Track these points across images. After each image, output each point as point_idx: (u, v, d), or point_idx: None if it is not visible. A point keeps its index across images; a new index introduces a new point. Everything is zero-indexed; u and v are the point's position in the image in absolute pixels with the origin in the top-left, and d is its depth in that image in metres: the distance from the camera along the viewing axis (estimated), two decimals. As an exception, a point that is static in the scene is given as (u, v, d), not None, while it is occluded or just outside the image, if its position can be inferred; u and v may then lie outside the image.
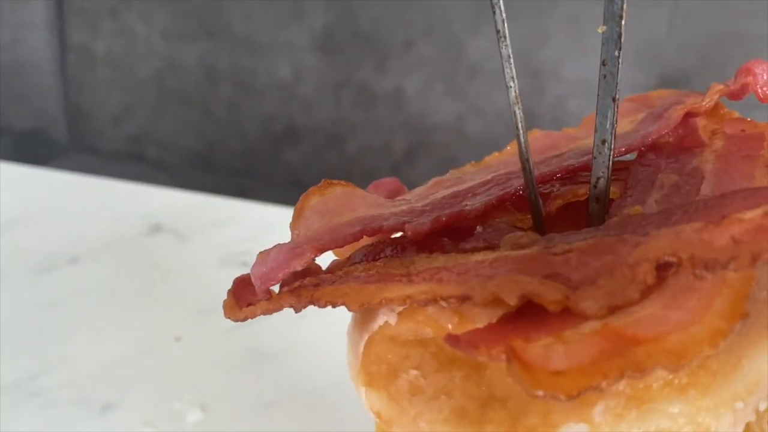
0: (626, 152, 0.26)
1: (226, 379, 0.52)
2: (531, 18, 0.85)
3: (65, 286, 0.58)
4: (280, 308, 0.24)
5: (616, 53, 0.22)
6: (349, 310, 0.22)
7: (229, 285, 0.60)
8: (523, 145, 0.23)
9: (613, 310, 0.19)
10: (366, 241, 0.25)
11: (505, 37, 0.21)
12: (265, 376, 0.52)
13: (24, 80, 1.02)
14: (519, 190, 0.25)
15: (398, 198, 0.27)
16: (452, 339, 0.19)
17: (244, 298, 0.25)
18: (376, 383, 0.23)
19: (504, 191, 0.25)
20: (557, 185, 0.26)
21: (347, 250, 0.26)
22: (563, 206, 0.26)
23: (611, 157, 0.23)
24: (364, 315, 0.24)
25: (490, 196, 0.25)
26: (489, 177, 0.27)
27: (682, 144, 0.28)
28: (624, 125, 0.29)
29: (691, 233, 0.19)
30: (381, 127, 0.95)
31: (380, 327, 0.23)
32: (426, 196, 0.27)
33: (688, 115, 0.28)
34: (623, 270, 0.19)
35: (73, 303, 0.56)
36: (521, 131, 0.23)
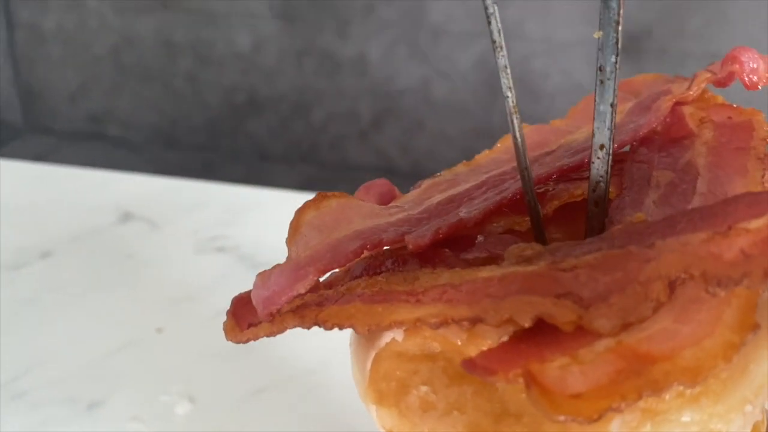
0: (619, 148, 0.26)
1: (212, 368, 0.51)
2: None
3: (38, 282, 0.57)
4: (283, 330, 0.23)
5: (614, 59, 0.22)
6: (357, 332, 0.22)
7: (206, 271, 0.59)
8: (521, 153, 0.23)
9: (625, 326, 0.19)
10: (365, 252, 0.24)
11: (501, 47, 0.21)
12: (251, 362, 0.52)
13: (-29, 61, 0.98)
14: (515, 194, 0.25)
15: (392, 204, 0.27)
16: (468, 364, 0.19)
17: (245, 318, 0.24)
18: (386, 401, 0.23)
19: (501, 196, 0.25)
20: (551, 185, 0.26)
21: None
22: (559, 207, 0.26)
23: (610, 162, 0.23)
24: (369, 331, 0.24)
25: (488, 201, 0.25)
26: (483, 178, 0.27)
27: (670, 133, 0.28)
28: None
29: (698, 245, 0.19)
30: (346, 94, 0.94)
31: (387, 344, 0.23)
32: (421, 202, 0.26)
33: (676, 103, 0.28)
34: (635, 288, 0.19)
35: (48, 299, 0.55)
36: (519, 140, 0.23)
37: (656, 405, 0.20)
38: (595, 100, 0.23)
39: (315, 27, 0.91)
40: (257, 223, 0.63)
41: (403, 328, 0.21)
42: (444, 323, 0.20)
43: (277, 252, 0.59)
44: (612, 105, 0.22)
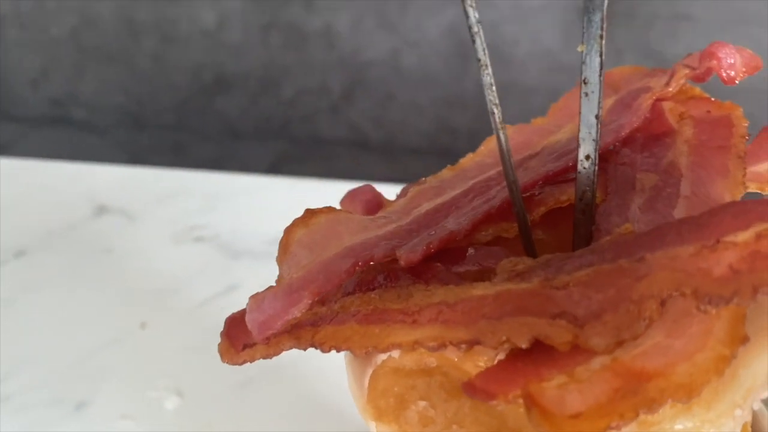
0: (602, 149, 0.26)
1: (199, 361, 0.51)
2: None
3: (15, 282, 0.56)
4: (279, 352, 0.23)
5: (598, 72, 0.22)
6: (355, 355, 0.22)
7: (186, 262, 0.59)
8: (509, 167, 0.23)
9: (619, 343, 0.19)
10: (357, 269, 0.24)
11: (487, 66, 0.21)
12: (237, 353, 0.52)
13: (-74, 49, 0.95)
14: (503, 202, 0.25)
15: (380, 215, 0.27)
16: (468, 388, 0.19)
17: (239, 339, 0.25)
18: (385, 417, 0.23)
19: (489, 205, 0.25)
20: (537, 189, 0.26)
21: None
22: (546, 212, 0.26)
23: (596, 173, 0.23)
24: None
25: (476, 211, 0.25)
26: (469, 184, 0.27)
27: (650, 129, 0.28)
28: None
29: (687, 260, 0.20)
30: (315, 68, 0.93)
31: (383, 360, 0.23)
32: (409, 211, 0.27)
33: (655, 100, 0.28)
34: (628, 306, 0.19)
35: (26, 299, 0.55)
36: (506, 154, 0.23)
37: (651, 416, 0.20)
38: (579, 113, 0.23)
39: (280, 0, 0.90)
40: (234, 210, 0.62)
41: (402, 349, 0.21)
42: (442, 346, 0.20)
43: (256, 240, 0.59)
44: (597, 117, 0.22)
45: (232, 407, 0.49)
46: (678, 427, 0.20)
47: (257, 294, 0.24)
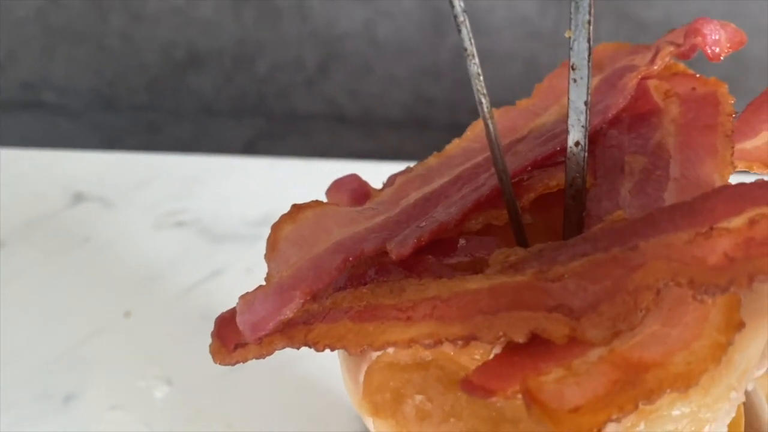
0: (590, 132, 0.26)
1: (186, 348, 0.51)
2: None
3: (-6, 275, 0.55)
4: (272, 351, 0.23)
5: (586, 58, 0.21)
6: (350, 354, 0.22)
7: (167, 248, 0.58)
8: (498, 156, 0.23)
9: (616, 334, 0.19)
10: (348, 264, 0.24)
11: (473, 55, 0.21)
12: (225, 338, 0.52)
13: None
14: (492, 190, 0.25)
15: (368, 206, 0.26)
16: (467, 385, 0.19)
17: (230, 338, 0.24)
18: (382, 412, 0.23)
19: (478, 193, 0.25)
20: (525, 175, 0.26)
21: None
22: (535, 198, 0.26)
23: (585, 159, 0.23)
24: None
25: (465, 200, 0.25)
26: (457, 172, 0.27)
27: (636, 108, 0.28)
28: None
29: (682, 247, 0.20)
30: (289, 42, 0.92)
31: (378, 356, 0.23)
32: (396, 201, 0.26)
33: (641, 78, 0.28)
34: (624, 297, 0.19)
35: (6, 293, 0.54)
36: (496, 144, 0.22)
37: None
38: (568, 98, 0.22)
39: (250, -26, 0.88)
40: (214, 192, 0.62)
41: (397, 347, 0.21)
42: (438, 343, 0.20)
43: (238, 222, 0.59)
44: (586, 103, 0.22)
45: (223, 393, 0.49)
46: (675, 413, 0.21)
47: (247, 294, 0.23)
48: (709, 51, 0.27)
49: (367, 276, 0.24)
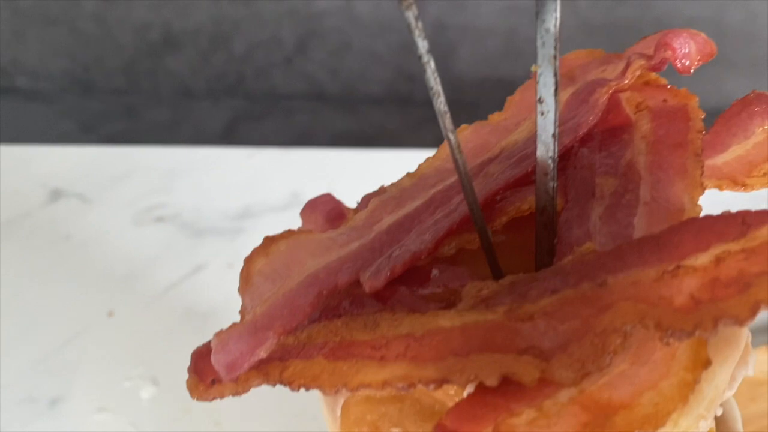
0: (560, 150, 0.26)
1: (171, 346, 0.51)
2: None
3: (-27, 277, 0.55)
4: (248, 389, 0.23)
5: (553, 92, 0.21)
6: (325, 394, 0.22)
7: (148, 244, 0.58)
8: (468, 189, 0.22)
9: (586, 375, 0.20)
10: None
11: (439, 94, 0.20)
12: (209, 335, 0.52)
13: None
14: (464, 216, 0.25)
15: (341, 230, 0.26)
16: (441, 429, 0.20)
17: (207, 373, 0.24)
18: (359, 445, 0.23)
19: (450, 220, 0.25)
20: (498, 196, 0.26)
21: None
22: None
23: (554, 188, 0.23)
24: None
25: (438, 226, 0.25)
26: (431, 194, 0.27)
27: (607, 122, 0.28)
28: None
29: (649, 286, 0.20)
30: (266, 20, 0.90)
31: (354, 390, 0.23)
32: (370, 226, 0.26)
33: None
34: (593, 339, 0.19)
35: (-13, 294, 0.54)
36: (465, 179, 0.22)
37: (619, 438, 0.21)
38: (537, 130, 0.22)
39: (224, -49, 0.86)
40: (193, 186, 0.61)
41: (371, 390, 0.21)
42: (411, 386, 0.20)
43: (218, 216, 0.59)
44: (554, 136, 0.22)
45: (208, 390, 0.49)
46: (645, 445, 0.21)
47: (221, 333, 0.23)
48: (678, 65, 0.27)
49: (341, 307, 0.24)
